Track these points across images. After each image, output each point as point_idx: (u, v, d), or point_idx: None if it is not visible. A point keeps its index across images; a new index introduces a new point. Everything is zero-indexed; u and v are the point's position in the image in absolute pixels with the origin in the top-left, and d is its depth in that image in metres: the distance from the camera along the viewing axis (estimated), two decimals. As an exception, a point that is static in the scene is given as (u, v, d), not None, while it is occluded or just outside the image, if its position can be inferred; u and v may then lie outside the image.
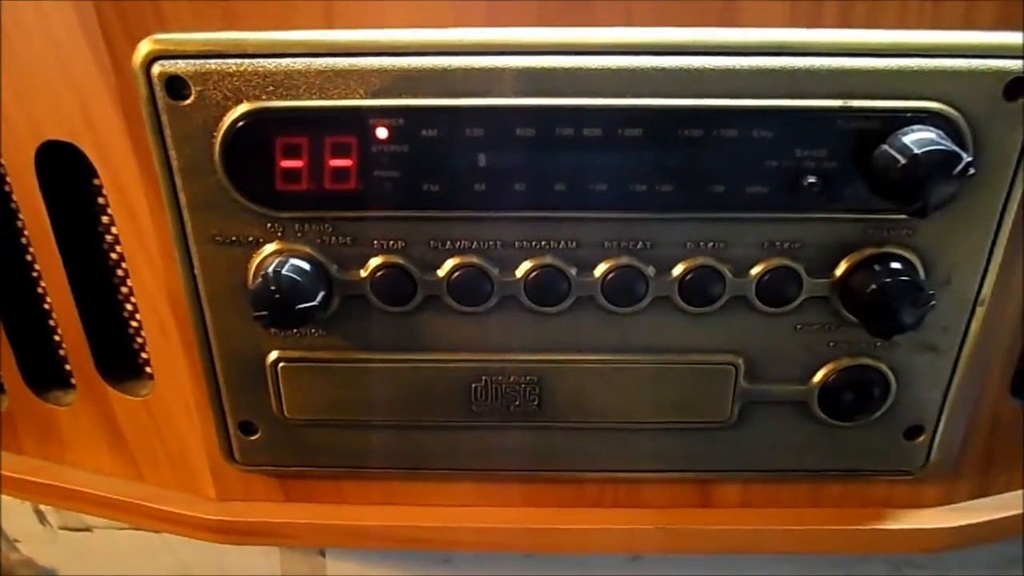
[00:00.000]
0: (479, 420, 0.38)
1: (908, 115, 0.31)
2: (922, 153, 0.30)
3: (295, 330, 0.36)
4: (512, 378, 0.37)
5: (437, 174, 0.32)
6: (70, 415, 0.44)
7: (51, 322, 0.42)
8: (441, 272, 0.34)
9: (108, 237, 0.39)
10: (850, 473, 0.40)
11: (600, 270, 0.34)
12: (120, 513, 0.44)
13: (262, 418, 0.39)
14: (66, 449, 0.45)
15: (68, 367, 0.43)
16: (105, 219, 0.38)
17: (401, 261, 0.34)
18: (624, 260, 0.34)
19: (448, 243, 0.34)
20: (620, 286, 0.34)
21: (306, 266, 0.33)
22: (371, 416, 0.38)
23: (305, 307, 0.32)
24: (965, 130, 0.31)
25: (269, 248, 0.34)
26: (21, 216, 0.38)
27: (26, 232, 0.39)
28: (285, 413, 0.38)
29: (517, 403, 0.37)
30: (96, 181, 0.37)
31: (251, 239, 0.34)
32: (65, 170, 0.36)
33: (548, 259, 0.34)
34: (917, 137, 0.30)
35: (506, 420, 0.38)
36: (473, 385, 0.37)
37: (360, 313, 0.35)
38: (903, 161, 0.30)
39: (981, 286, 0.35)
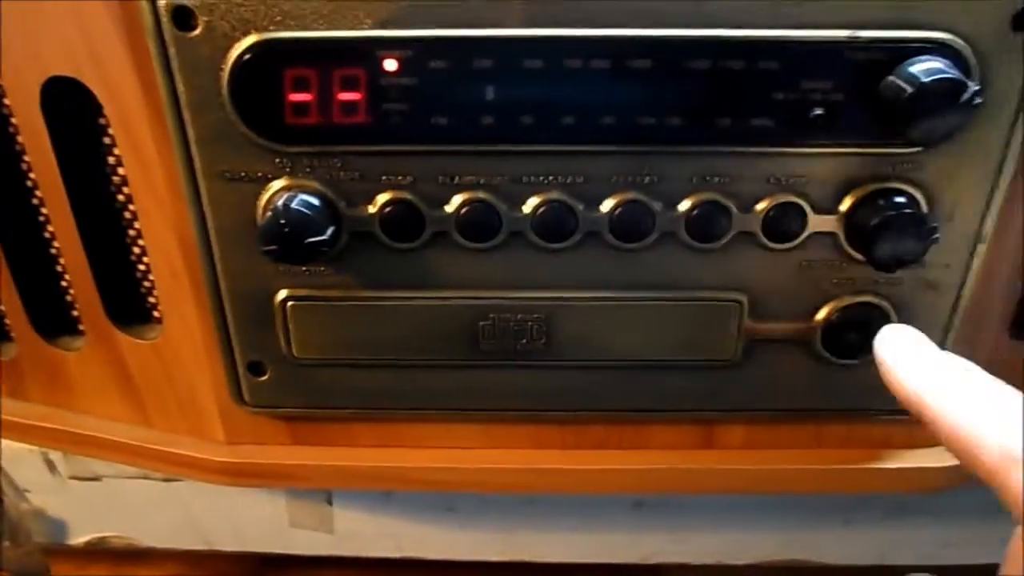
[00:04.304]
0: (487, 359, 0.38)
1: (915, 46, 0.31)
2: (929, 81, 0.30)
3: (304, 267, 0.36)
4: (520, 316, 0.37)
5: (445, 107, 0.32)
6: (79, 360, 0.44)
7: (58, 267, 0.42)
8: (449, 208, 0.34)
9: (115, 178, 0.39)
10: (851, 412, 0.41)
11: (607, 205, 0.34)
12: (130, 456, 0.45)
13: (271, 358, 0.39)
14: (75, 396, 0.45)
15: (76, 312, 0.43)
16: (112, 159, 0.38)
17: (409, 197, 0.34)
18: (631, 195, 0.34)
19: (456, 178, 0.34)
20: (627, 221, 0.34)
21: (315, 201, 0.33)
22: (379, 355, 0.39)
23: (314, 241, 0.33)
24: (972, 61, 0.31)
25: (278, 184, 0.34)
26: (27, 158, 0.38)
27: (32, 175, 0.39)
28: (294, 353, 0.39)
29: (524, 341, 0.38)
30: (102, 120, 0.37)
31: (260, 175, 0.34)
32: (71, 110, 0.36)
33: (555, 194, 0.34)
34: (924, 67, 0.30)
35: (513, 359, 0.38)
36: (481, 323, 0.37)
37: (368, 250, 0.36)
38: (910, 90, 0.30)
39: (983, 222, 0.36)
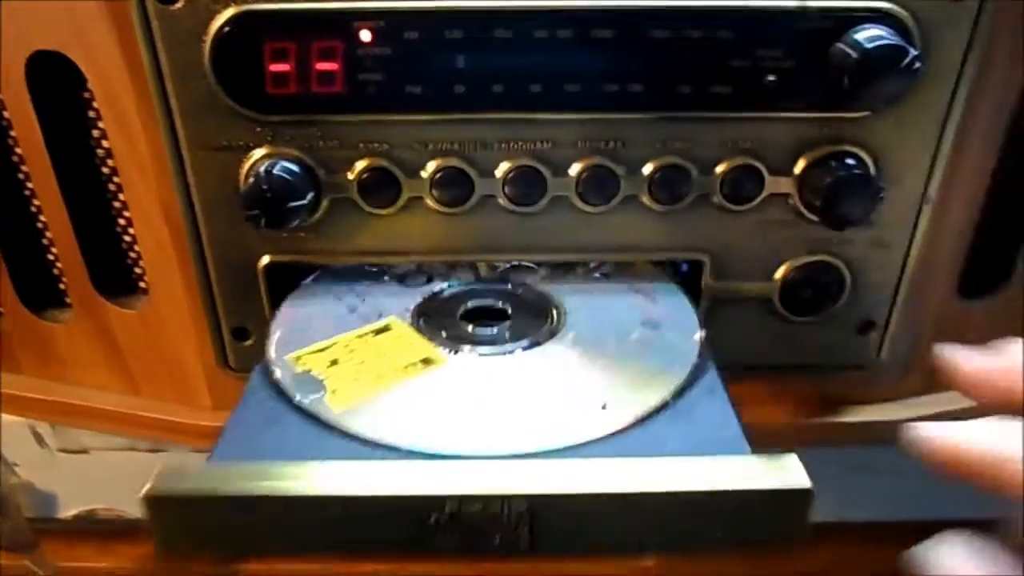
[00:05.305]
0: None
1: (860, 15, 0.33)
2: (872, 47, 0.32)
3: (285, 233, 0.37)
4: (491, 507, 0.24)
5: (418, 77, 0.34)
6: (67, 332, 0.45)
7: (45, 240, 0.43)
8: (424, 173, 0.36)
9: (100, 151, 0.40)
10: (808, 369, 0.43)
11: (574, 170, 0.36)
12: (119, 425, 0.46)
13: (255, 323, 0.41)
14: (64, 367, 0.47)
15: (63, 285, 0.44)
16: (96, 132, 0.39)
17: (385, 163, 0.36)
18: (596, 160, 0.36)
19: (430, 145, 0.36)
20: (593, 185, 0.36)
21: (296, 168, 0.35)
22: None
23: (296, 205, 0.34)
24: (913, 29, 0.33)
25: (259, 152, 0.35)
26: (13, 133, 0.39)
27: (18, 149, 0.40)
28: (277, 317, 0.40)
29: (498, 538, 0.24)
30: (86, 94, 0.38)
31: (242, 144, 0.35)
32: (56, 85, 0.37)
33: (525, 160, 0.36)
34: (868, 34, 0.32)
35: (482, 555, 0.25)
36: (432, 518, 0.24)
37: (347, 215, 0.37)
38: (855, 56, 0.32)
39: (928, 184, 0.38)
